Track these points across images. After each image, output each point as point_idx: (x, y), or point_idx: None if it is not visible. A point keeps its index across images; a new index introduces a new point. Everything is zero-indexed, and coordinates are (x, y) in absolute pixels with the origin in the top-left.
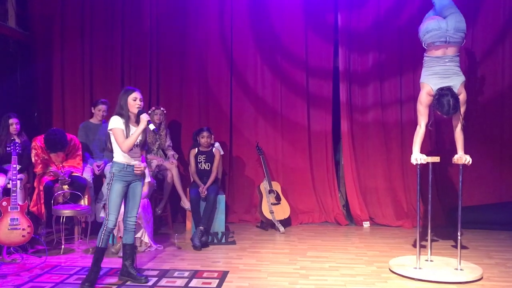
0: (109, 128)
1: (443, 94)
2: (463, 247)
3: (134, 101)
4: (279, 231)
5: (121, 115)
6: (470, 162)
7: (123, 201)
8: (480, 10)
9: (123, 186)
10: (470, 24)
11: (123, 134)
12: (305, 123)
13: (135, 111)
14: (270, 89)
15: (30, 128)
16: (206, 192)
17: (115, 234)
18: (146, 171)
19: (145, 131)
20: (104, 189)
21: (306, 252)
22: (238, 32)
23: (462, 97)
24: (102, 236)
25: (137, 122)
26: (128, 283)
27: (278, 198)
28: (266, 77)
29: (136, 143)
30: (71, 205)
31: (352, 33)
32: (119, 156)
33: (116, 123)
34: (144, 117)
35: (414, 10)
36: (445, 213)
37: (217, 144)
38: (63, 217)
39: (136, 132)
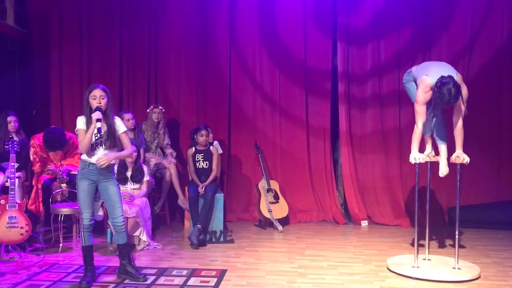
0: (75, 129)
1: (445, 82)
2: (460, 246)
3: (93, 99)
4: (277, 229)
5: (87, 114)
6: (468, 162)
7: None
8: None
9: (88, 184)
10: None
11: (83, 135)
12: (304, 122)
13: (93, 107)
14: (269, 87)
15: (28, 126)
16: (204, 190)
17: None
18: (145, 169)
19: (112, 127)
20: None
21: (304, 251)
22: (238, 31)
23: (464, 93)
24: (82, 235)
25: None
26: (126, 281)
27: (276, 197)
28: (265, 76)
29: (96, 142)
30: (69, 203)
31: (350, 29)
32: (84, 155)
33: (78, 123)
34: (94, 116)
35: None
36: (443, 212)
37: (215, 143)
38: (61, 215)
39: (88, 133)
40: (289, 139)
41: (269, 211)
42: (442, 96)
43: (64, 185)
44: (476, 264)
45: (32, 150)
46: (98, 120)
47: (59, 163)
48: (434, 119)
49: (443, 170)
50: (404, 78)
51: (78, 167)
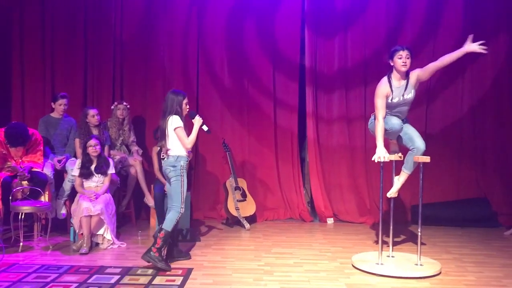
0: (174, 127)
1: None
2: (423, 243)
3: (186, 105)
4: (245, 227)
5: (179, 115)
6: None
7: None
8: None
9: None
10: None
11: (184, 132)
12: (272, 121)
13: (185, 113)
14: (237, 85)
15: None
16: None
17: (77, 231)
18: (111, 162)
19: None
20: (66, 185)
21: (271, 248)
22: (205, 28)
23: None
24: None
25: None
26: (91, 280)
27: (244, 195)
28: (233, 73)
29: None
30: (30, 201)
31: (319, 17)
32: (182, 150)
33: (180, 122)
34: (201, 119)
35: None
36: (406, 210)
37: None
38: (21, 213)
39: (194, 131)
40: (257, 137)
41: (236, 209)
42: (397, 48)
43: (25, 182)
44: (437, 260)
45: None
46: (203, 123)
47: (20, 160)
48: (404, 128)
49: (392, 193)
50: (370, 124)
51: (182, 162)
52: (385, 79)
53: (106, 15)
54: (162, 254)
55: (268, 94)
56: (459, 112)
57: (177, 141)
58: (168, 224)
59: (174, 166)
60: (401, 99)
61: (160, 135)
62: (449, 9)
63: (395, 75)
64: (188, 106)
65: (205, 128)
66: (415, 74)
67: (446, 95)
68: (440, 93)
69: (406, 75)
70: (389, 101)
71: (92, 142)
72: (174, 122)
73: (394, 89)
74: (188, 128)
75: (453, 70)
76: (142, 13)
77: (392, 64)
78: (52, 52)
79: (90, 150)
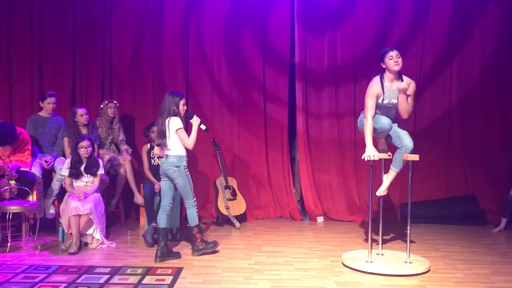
0: (175, 128)
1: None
2: (412, 241)
3: (183, 106)
4: (235, 226)
5: (178, 116)
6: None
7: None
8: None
9: None
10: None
11: (185, 133)
12: (262, 120)
13: (182, 113)
14: (227, 84)
15: None
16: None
17: (66, 231)
18: (101, 163)
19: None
20: (54, 184)
21: (261, 247)
22: (197, 27)
23: (412, 87)
24: (196, 214)
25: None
26: (80, 280)
27: (234, 194)
28: (224, 72)
29: None
30: (18, 201)
31: (308, 12)
32: (183, 150)
33: (180, 123)
34: (198, 119)
35: None
36: (395, 208)
37: None
38: (9, 213)
39: (194, 131)
40: (247, 136)
41: (226, 208)
42: (386, 49)
43: (12, 182)
44: (426, 258)
45: None
46: (200, 122)
47: (8, 159)
48: (393, 127)
49: (381, 192)
50: (359, 122)
51: (184, 162)
52: (377, 79)
53: (96, 14)
54: (206, 240)
55: (259, 90)
56: (446, 110)
57: (178, 141)
58: (194, 219)
59: (177, 167)
60: (391, 101)
61: (159, 135)
62: (437, 5)
63: (387, 76)
64: (185, 107)
65: (203, 127)
66: (405, 83)
67: (433, 93)
68: (427, 92)
69: (399, 76)
70: (379, 101)
71: (84, 143)
72: (175, 124)
73: (386, 90)
74: (186, 128)
75: (440, 66)
76: (133, 10)
77: (384, 66)
78: (40, 49)
79: (82, 151)
